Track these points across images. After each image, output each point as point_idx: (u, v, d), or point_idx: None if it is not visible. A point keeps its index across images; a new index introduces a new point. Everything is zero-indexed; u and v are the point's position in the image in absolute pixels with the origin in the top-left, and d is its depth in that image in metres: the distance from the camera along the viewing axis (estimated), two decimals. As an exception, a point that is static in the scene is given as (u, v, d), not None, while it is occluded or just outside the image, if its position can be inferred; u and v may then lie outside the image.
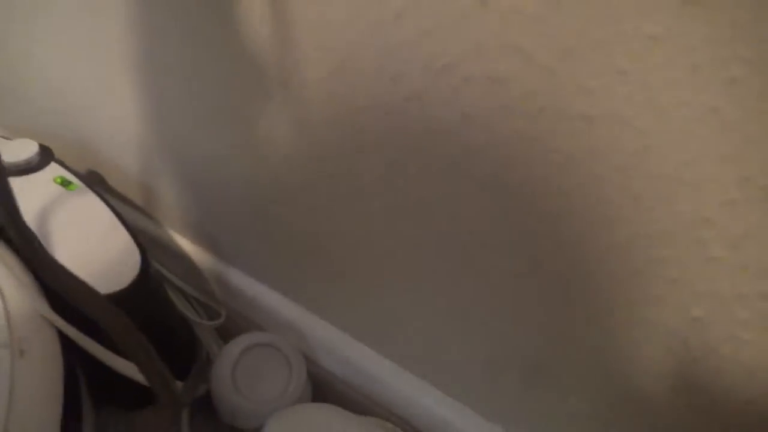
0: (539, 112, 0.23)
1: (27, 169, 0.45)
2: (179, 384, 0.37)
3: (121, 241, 0.42)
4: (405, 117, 0.28)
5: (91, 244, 0.41)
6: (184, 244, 0.54)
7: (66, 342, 0.34)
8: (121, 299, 0.36)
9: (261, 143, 0.37)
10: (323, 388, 0.49)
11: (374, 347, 0.44)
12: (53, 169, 0.46)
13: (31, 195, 0.43)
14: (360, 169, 0.33)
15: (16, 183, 0.43)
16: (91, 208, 0.44)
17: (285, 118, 0.34)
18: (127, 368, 0.34)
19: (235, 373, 0.45)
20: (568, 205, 0.25)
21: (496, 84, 0.24)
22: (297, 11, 0.29)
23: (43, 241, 0.34)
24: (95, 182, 0.54)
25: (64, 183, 0.45)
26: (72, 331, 0.34)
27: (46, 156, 0.47)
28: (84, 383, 0.39)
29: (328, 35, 0.28)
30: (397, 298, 0.38)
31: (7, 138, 0.48)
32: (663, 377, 0.27)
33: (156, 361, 0.31)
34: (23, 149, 0.46)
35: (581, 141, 0.23)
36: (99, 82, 0.46)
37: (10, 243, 0.39)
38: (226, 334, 0.53)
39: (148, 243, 0.44)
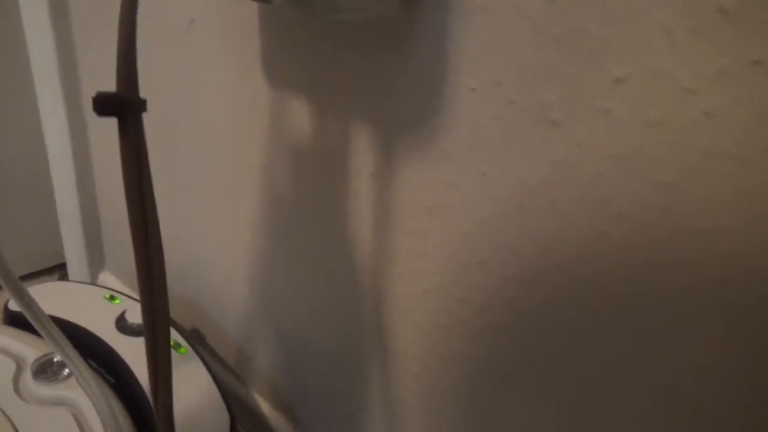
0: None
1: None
2: None
3: (216, 409, 0.47)
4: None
5: (189, 410, 0.46)
6: (264, 405, 0.58)
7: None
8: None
9: (359, 338, 0.42)
10: None
11: None
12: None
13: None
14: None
15: (135, 343, 0.50)
16: (194, 372, 0.49)
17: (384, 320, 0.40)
18: None
19: None
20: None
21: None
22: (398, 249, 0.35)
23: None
24: (195, 339, 0.61)
25: (175, 346, 0.51)
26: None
27: (163, 319, 0.53)
28: None
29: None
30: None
31: (134, 299, 0.56)
32: None
33: None
34: (146, 312, 0.53)
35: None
36: (224, 253, 0.54)
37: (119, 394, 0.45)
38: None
39: (233, 401, 0.48)
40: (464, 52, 0.30)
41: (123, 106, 0.21)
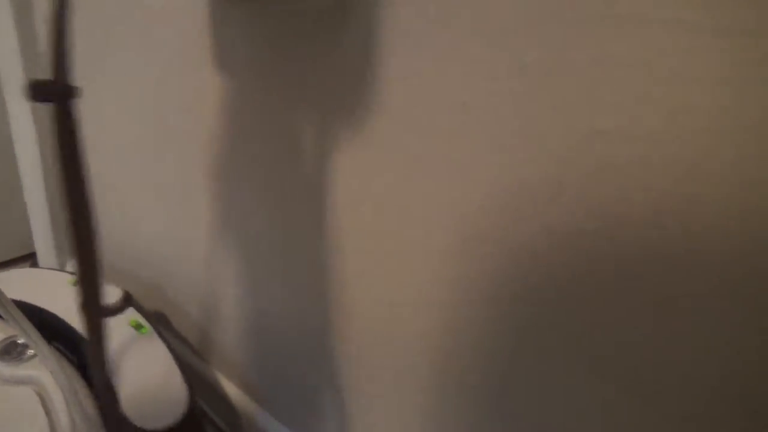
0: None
1: (110, 311, 0.54)
2: None
3: (175, 383, 0.49)
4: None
5: (148, 384, 0.49)
6: (227, 384, 0.61)
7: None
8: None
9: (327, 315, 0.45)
10: None
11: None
12: (130, 313, 0.55)
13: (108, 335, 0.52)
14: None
15: (99, 324, 0.52)
16: (155, 350, 0.52)
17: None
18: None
19: None
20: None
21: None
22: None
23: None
24: (160, 322, 0.63)
25: (137, 326, 0.53)
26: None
27: (127, 301, 0.56)
28: None
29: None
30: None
31: (98, 283, 0.58)
32: None
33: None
34: (109, 295, 0.55)
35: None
36: (186, 238, 0.56)
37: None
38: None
39: (196, 381, 0.51)
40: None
41: (57, 92, 0.23)
